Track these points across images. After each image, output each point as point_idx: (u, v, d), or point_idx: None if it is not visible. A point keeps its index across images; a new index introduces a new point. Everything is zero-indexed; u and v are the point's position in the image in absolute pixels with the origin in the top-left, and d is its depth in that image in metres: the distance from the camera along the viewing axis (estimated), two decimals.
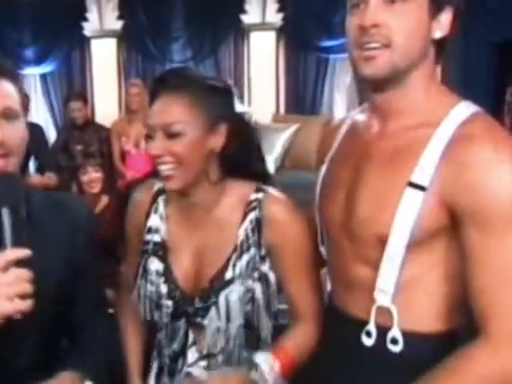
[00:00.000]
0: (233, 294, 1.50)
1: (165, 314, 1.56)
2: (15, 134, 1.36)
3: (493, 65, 6.70)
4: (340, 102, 8.17)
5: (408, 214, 1.29)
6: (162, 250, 1.59)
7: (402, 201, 1.29)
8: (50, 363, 1.45)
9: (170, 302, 1.55)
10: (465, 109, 1.32)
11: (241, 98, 8.27)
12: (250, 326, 1.55)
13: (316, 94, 8.27)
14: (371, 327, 1.38)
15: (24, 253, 1.20)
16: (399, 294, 1.34)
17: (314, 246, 1.57)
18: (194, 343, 1.57)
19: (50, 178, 4.98)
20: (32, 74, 8.59)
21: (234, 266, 1.52)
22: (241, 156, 1.56)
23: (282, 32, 8.17)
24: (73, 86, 8.46)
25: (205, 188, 1.53)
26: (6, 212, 1.23)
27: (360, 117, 1.52)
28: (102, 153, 5.65)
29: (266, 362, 1.46)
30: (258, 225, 1.52)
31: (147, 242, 1.62)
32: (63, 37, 8.38)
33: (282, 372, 1.47)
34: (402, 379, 1.29)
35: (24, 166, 5.18)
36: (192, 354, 1.58)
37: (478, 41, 6.76)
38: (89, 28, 8.30)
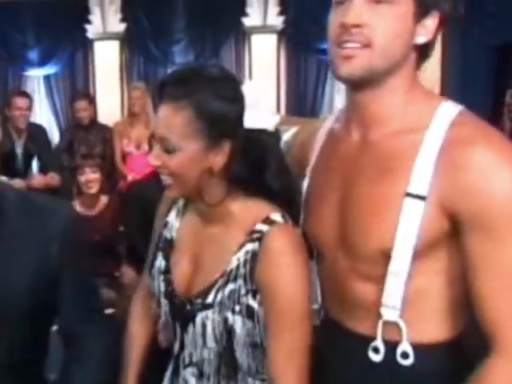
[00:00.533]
0: (208, 321, 1.40)
1: (164, 313, 1.52)
2: None
3: (492, 67, 6.71)
4: (340, 104, 8.15)
5: (410, 225, 1.23)
6: (168, 248, 1.54)
7: (402, 212, 1.23)
8: (32, 362, 1.44)
9: (166, 301, 1.51)
10: (449, 109, 1.27)
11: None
12: (227, 359, 1.44)
13: (316, 97, 8.27)
14: (379, 343, 1.31)
15: None
16: (406, 306, 1.28)
17: (307, 305, 1.37)
18: (186, 348, 1.50)
19: (53, 178, 5.00)
20: (35, 75, 8.61)
21: (217, 292, 1.39)
22: (252, 175, 1.40)
23: (283, 35, 8.17)
24: (76, 87, 8.46)
25: (210, 198, 1.40)
26: None
27: (336, 125, 1.46)
28: (105, 153, 5.65)
29: None
30: (253, 258, 1.36)
31: (161, 235, 1.56)
32: (66, 39, 8.38)
33: None
34: None
35: (27, 167, 5.20)
36: (184, 359, 1.52)
37: (477, 44, 6.76)
38: (92, 30, 8.30)
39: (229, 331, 1.39)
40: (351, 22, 1.22)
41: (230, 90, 1.36)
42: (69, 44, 8.46)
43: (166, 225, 1.56)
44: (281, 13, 8.04)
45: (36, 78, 8.63)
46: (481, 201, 1.18)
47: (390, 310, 1.29)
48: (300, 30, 7.87)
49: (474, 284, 1.22)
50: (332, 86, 8.18)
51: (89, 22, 8.25)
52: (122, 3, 8.22)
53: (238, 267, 1.38)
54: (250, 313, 1.38)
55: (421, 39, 1.27)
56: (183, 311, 1.46)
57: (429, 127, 1.25)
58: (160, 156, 1.36)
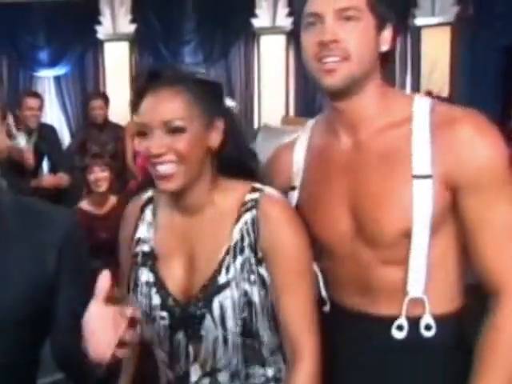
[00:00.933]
0: (227, 300, 1.40)
1: (162, 328, 1.46)
2: None
3: (501, 68, 6.68)
4: None
5: (424, 203, 1.37)
6: (151, 260, 1.50)
7: (414, 193, 1.37)
8: (30, 364, 1.41)
9: (164, 313, 1.46)
10: (423, 101, 1.46)
11: (251, 100, 8.29)
12: (249, 334, 1.44)
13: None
14: (403, 321, 1.41)
15: None
16: (427, 282, 1.40)
17: (310, 256, 1.48)
18: (196, 359, 1.47)
19: (62, 178, 4.99)
20: (46, 76, 8.65)
21: (228, 269, 1.41)
22: (234, 153, 1.48)
23: (292, 35, 8.16)
24: (86, 87, 8.50)
25: (200, 188, 1.44)
26: None
27: (316, 140, 1.60)
28: (117, 152, 5.66)
29: None
30: (254, 226, 1.42)
31: (136, 254, 1.52)
32: (77, 40, 8.42)
33: None
34: (436, 359, 1.42)
35: (37, 166, 5.21)
36: (195, 372, 1.48)
37: (486, 45, 6.73)
38: (102, 31, 8.33)
39: (248, 305, 1.41)
40: (329, 39, 1.38)
41: (208, 77, 1.51)
42: (79, 45, 8.49)
43: (138, 242, 1.53)
44: (290, 14, 8.03)
45: (46, 78, 8.66)
46: (473, 168, 1.35)
47: (415, 287, 1.40)
48: None
49: (476, 243, 1.39)
50: None
51: (99, 23, 8.28)
52: (132, 4, 8.25)
53: (242, 238, 1.42)
54: (262, 282, 1.42)
55: (383, 48, 1.44)
56: (188, 315, 1.44)
57: (413, 117, 1.42)
58: (164, 141, 1.36)
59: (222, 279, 1.41)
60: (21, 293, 1.30)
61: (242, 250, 1.42)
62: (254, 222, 1.42)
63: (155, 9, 8.18)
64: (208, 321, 1.42)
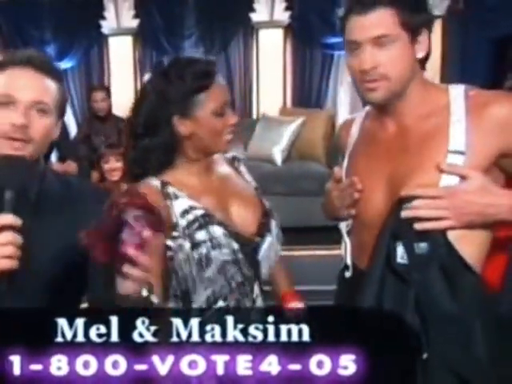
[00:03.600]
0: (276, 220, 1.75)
1: (239, 274, 1.66)
2: (41, 126, 1.43)
3: (491, 59, 6.67)
4: (343, 97, 8.14)
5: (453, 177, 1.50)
6: (208, 218, 1.64)
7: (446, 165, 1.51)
8: None
9: (236, 245, 1.65)
10: (457, 88, 1.59)
11: (249, 92, 8.27)
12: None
13: (321, 89, 8.24)
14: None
15: (16, 220, 1.26)
16: None
17: None
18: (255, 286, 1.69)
19: (70, 166, 5.03)
20: None
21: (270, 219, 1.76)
22: None
23: (289, 29, 8.15)
24: (92, 80, 8.47)
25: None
26: (8, 195, 1.28)
27: (367, 123, 1.77)
28: (120, 144, 5.66)
29: None
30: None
31: (188, 225, 1.63)
32: (82, 34, 8.38)
33: None
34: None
35: (47, 156, 5.23)
36: (256, 292, 1.70)
37: (476, 36, 6.72)
38: (106, 26, 8.30)
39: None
40: (368, 67, 1.53)
41: None
42: (84, 39, 8.45)
43: (183, 213, 1.64)
44: (287, 8, 8.00)
45: None
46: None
47: None
48: (305, 25, 7.84)
49: None
50: (336, 79, 8.15)
51: (103, 18, 8.25)
52: (135, 0, 8.21)
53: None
54: None
55: (420, 54, 1.58)
56: (252, 247, 1.69)
57: (450, 104, 1.55)
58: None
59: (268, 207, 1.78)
60: (59, 258, 1.44)
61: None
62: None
63: (157, 4, 8.16)
64: (267, 242, 1.73)
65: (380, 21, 1.52)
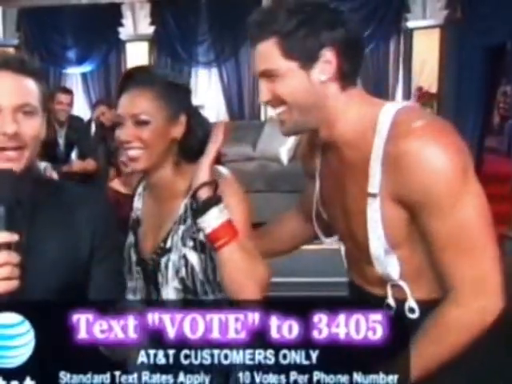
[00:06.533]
0: (170, 262, 1.53)
1: (138, 279, 1.61)
2: (31, 128, 1.31)
3: (486, 66, 6.69)
4: None
5: (374, 220, 1.35)
6: (136, 226, 1.66)
7: (368, 211, 1.35)
8: None
9: (138, 268, 1.61)
10: (389, 110, 1.34)
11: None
12: (187, 291, 1.53)
13: None
14: (390, 301, 1.42)
15: (12, 237, 1.16)
16: (404, 274, 1.39)
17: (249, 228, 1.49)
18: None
19: (89, 164, 5.07)
20: (74, 73, 8.69)
21: (173, 236, 1.53)
22: (197, 143, 1.54)
23: None
24: (110, 84, 8.54)
25: (163, 169, 1.53)
26: (0, 210, 1.17)
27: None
28: None
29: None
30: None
31: (131, 219, 1.69)
32: (101, 40, 8.45)
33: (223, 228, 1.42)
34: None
35: (67, 154, 5.28)
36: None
37: (473, 44, 6.74)
38: (124, 32, 8.36)
39: (185, 266, 1.51)
40: (263, 102, 1.41)
41: (181, 78, 1.64)
42: (103, 45, 8.52)
43: (132, 209, 1.71)
44: None
45: (74, 75, 8.70)
46: (421, 188, 1.26)
47: (394, 277, 1.40)
48: None
49: (434, 255, 1.32)
50: None
51: (121, 24, 8.31)
52: (152, 8, 8.26)
53: (185, 211, 1.52)
54: (202, 247, 1.50)
55: (323, 77, 1.34)
56: (148, 272, 1.57)
57: (376, 129, 1.33)
58: (132, 132, 1.47)
59: (168, 244, 1.53)
60: (59, 269, 1.32)
61: (184, 220, 1.52)
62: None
63: (172, 12, 8.21)
64: (159, 277, 1.55)
65: (263, 54, 1.37)
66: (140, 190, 1.71)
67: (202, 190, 1.43)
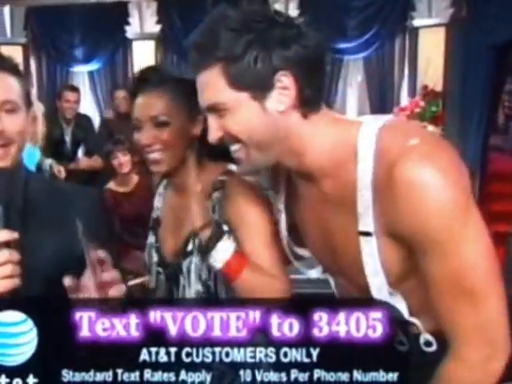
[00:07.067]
0: (192, 265, 1.50)
1: (156, 279, 1.61)
2: (14, 125, 1.28)
3: (491, 64, 6.65)
4: (352, 98, 8.18)
5: (372, 259, 1.18)
6: (156, 225, 1.64)
7: (362, 251, 1.18)
8: None
9: (159, 269, 1.60)
10: (369, 130, 1.15)
11: None
12: (210, 294, 1.52)
13: (330, 91, 8.26)
14: (401, 337, 1.28)
15: (11, 235, 1.13)
16: (412, 309, 1.26)
17: (273, 230, 1.42)
18: None
19: (96, 161, 5.09)
20: (81, 71, 8.69)
21: (194, 239, 1.50)
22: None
23: None
24: (116, 82, 8.53)
25: (186, 169, 1.51)
26: None
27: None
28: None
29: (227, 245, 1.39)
30: (220, 204, 1.47)
31: (152, 218, 1.68)
32: (108, 39, 8.45)
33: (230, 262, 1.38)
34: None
35: (74, 151, 5.30)
36: None
37: (478, 43, 6.70)
38: (131, 31, 8.37)
39: (208, 269, 1.49)
40: (213, 141, 1.21)
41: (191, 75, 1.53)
42: (110, 43, 8.52)
43: (153, 208, 1.68)
44: (299, 15, 8.02)
45: (81, 73, 8.71)
46: (415, 224, 1.09)
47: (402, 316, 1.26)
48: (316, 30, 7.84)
49: (432, 298, 1.16)
50: (344, 82, 8.18)
51: (128, 23, 8.31)
52: (158, 7, 8.26)
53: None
54: None
55: (281, 107, 1.14)
56: (170, 273, 1.56)
57: (357, 156, 1.14)
58: (152, 134, 1.46)
59: (189, 247, 1.51)
60: (53, 268, 1.27)
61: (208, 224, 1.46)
62: (220, 200, 1.48)
63: (179, 11, 8.20)
64: (181, 279, 1.53)
65: (207, 85, 1.17)
66: (161, 189, 1.69)
67: (201, 233, 1.41)
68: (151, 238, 1.64)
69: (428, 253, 1.10)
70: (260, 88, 1.12)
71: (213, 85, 1.15)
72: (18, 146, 1.30)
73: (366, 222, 1.14)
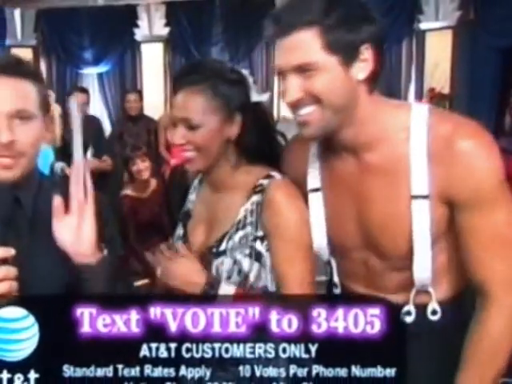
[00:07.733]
0: (223, 265, 1.46)
1: None
2: (27, 135, 1.23)
3: (498, 67, 6.64)
4: None
5: (423, 223, 1.29)
6: (186, 218, 1.62)
7: (413, 214, 1.30)
8: None
9: None
10: (420, 110, 1.31)
11: (271, 96, 8.32)
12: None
13: None
14: (410, 308, 1.38)
15: (8, 252, 1.12)
16: (433, 278, 1.36)
17: (307, 242, 1.44)
18: None
19: (105, 161, 5.08)
20: (90, 73, 8.74)
21: (229, 240, 1.46)
22: (261, 142, 1.50)
23: None
24: (125, 84, 8.58)
25: (220, 169, 1.49)
26: None
27: (328, 154, 1.41)
28: (150, 143, 5.72)
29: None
30: (258, 208, 1.44)
31: (183, 211, 1.65)
32: (117, 41, 8.51)
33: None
34: (441, 341, 1.38)
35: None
36: None
37: (486, 45, 6.69)
38: (139, 33, 8.41)
39: (239, 273, 1.45)
40: (291, 102, 1.25)
41: (233, 74, 1.49)
42: (119, 45, 8.58)
43: (186, 201, 1.66)
44: None
45: (90, 75, 8.76)
46: (471, 185, 1.25)
47: (422, 284, 1.37)
48: None
49: (470, 253, 1.30)
50: None
51: (137, 26, 8.36)
52: (167, 10, 8.31)
53: (245, 217, 1.45)
54: (258, 256, 1.44)
55: (360, 76, 1.25)
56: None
57: (410, 130, 1.28)
58: (184, 134, 1.44)
59: (222, 247, 1.47)
60: (53, 278, 1.27)
61: (243, 227, 1.45)
62: (259, 204, 1.44)
63: (187, 14, 8.24)
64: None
65: (300, 45, 1.22)
66: (196, 183, 1.67)
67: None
68: (179, 230, 1.62)
69: (476, 209, 1.27)
70: (348, 55, 1.22)
71: (307, 45, 1.21)
72: (29, 157, 1.25)
73: (421, 186, 1.27)
